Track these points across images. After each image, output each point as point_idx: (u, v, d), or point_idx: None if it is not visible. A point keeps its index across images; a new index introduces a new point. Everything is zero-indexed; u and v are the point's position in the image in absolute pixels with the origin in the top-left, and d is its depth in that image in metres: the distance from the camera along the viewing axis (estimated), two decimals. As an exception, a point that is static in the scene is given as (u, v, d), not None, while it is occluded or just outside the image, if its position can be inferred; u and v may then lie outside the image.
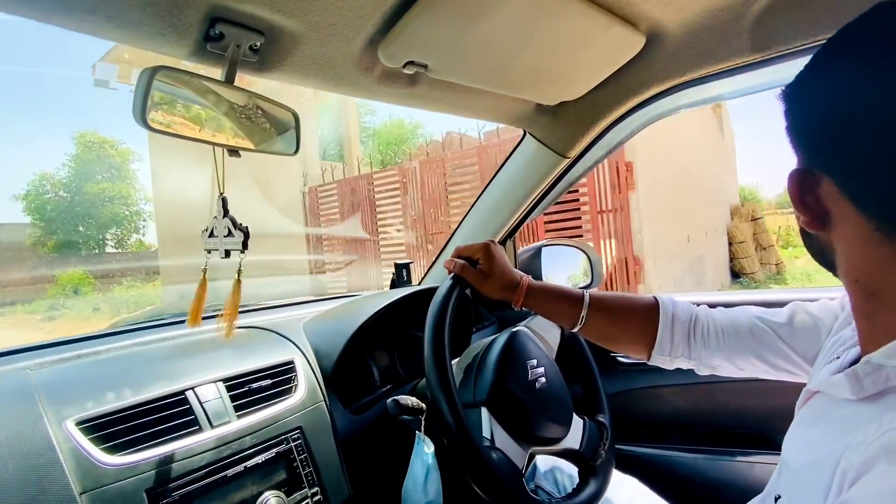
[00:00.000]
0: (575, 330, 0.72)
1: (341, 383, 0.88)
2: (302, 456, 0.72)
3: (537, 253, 1.21)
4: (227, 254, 0.63)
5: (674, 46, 0.78)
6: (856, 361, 0.46)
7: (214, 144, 0.62)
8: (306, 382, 0.81)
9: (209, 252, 0.68)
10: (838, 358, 0.48)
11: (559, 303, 0.72)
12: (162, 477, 0.60)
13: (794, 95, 0.41)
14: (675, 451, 1.13)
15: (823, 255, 0.44)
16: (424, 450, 0.78)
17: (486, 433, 0.67)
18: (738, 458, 1.06)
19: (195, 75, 0.59)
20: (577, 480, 0.78)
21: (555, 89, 0.88)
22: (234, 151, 0.63)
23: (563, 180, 1.12)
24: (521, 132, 1.07)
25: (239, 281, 0.66)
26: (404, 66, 0.67)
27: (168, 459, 0.61)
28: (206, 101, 0.61)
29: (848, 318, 0.54)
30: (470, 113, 0.96)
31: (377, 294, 1.07)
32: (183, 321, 1.13)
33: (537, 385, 0.76)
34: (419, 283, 1.30)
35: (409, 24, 0.59)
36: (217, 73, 0.60)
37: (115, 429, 0.62)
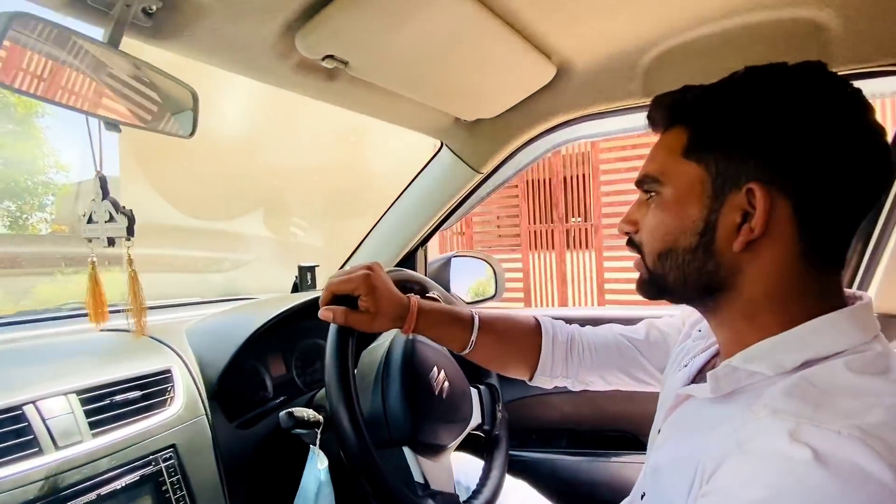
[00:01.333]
0: (464, 353, 0.71)
1: (227, 395, 0.80)
2: (174, 478, 0.63)
3: (447, 263, 1.23)
4: (111, 242, 0.54)
5: (580, 81, 0.85)
6: (703, 368, 0.53)
7: (86, 114, 0.53)
8: (185, 394, 0.72)
9: (90, 241, 0.58)
10: (686, 366, 0.56)
11: (450, 326, 0.69)
12: None
13: (727, 112, 0.43)
14: (560, 455, 1.22)
15: (708, 276, 0.45)
16: (317, 465, 0.74)
17: (417, 476, 0.66)
18: (613, 459, 1.17)
19: (70, 31, 0.50)
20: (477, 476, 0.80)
21: (472, 105, 0.91)
22: (112, 125, 0.55)
23: (475, 195, 1.16)
24: (438, 144, 1.09)
25: (133, 273, 0.57)
26: (323, 59, 0.64)
27: None
28: (79, 63, 0.52)
29: (689, 331, 0.63)
30: (389, 117, 0.95)
31: (277, 298, 1.00)
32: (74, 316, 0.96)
33: (444, 395, 0.77)
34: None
35: (331, 15, 0.57)
36: (99, 33, 0.51)
37: None
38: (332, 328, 0.64)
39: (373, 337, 0.83)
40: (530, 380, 0.74)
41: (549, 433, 1.29)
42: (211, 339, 0.83)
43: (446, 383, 0.78)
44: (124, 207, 0.54)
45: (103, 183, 0.55)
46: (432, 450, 0.73)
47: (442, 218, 1.18)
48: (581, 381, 0.74)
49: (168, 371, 0.74)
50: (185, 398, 0.72)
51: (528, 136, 0.99)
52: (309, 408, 0.76)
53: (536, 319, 0.75)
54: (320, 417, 0.75)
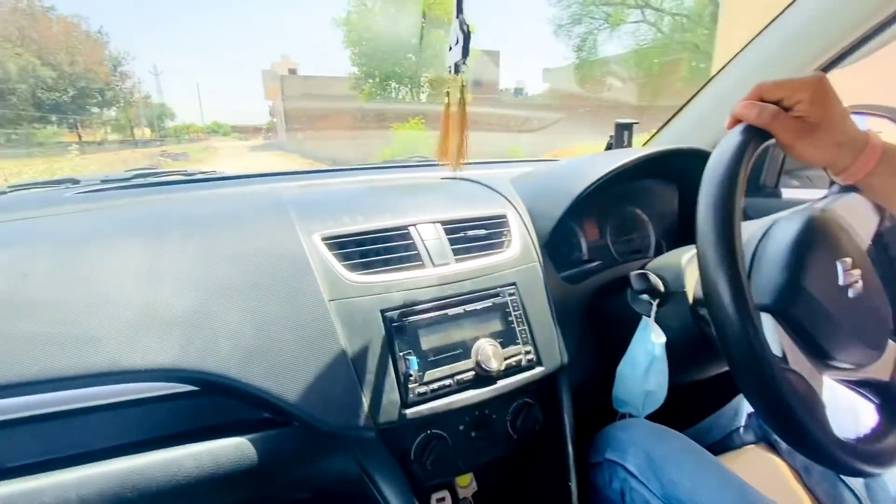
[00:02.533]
0: None
1: (553, 249, 0.79)
2: (517, 311, 0.67)
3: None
4: (456, 68, 0.53)
5: None
6: None
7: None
8: (520, 239, 0.74)
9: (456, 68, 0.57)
10: None
11: None
12: (394, 301, 0.60)
13: None
14: None
15: None
16: (652, 338, 0.67)
17: (774, 349, 0.50)
18: None
19: None
20: (870, 421, 0.58)
21: None
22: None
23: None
24: None
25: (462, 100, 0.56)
26: None
27: (398, 286, 0.62)
28: None
29: None
30: None
31: (597, 156, 0.90)
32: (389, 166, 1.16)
33: (850, 293, 0.54)
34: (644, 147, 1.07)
35: None
36: None
37: (351, 249, 0.64)
38: (736, 130, 0.49)
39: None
40: None
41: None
42: (538, 193, 0.82)
43: (860, 283, 0.54)
44: (463, 24, 0.49)
45: (459, 1, 0.51)
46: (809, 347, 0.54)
47: (871, 31, 0.77)
48: None
49: (504, 216, 0.76)
50: (521, 243, 0.74)
51: None
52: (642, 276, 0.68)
53: None
54: (662, 289, 0.66)
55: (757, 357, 0.44)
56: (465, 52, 0.54)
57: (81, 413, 0.51)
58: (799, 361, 0.50)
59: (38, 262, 0.53)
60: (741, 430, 0.79)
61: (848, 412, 0.65)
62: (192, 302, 0.54)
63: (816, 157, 0.49)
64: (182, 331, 0.52)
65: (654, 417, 0.71)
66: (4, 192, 0.82)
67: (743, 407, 0.82)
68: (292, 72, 29.08)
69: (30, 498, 0.45)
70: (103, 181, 0.91)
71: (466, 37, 0.53)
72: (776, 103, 0.48)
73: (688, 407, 0.86)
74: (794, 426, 0.44)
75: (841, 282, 0.53)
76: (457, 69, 0.56)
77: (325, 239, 0.63)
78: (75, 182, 0.89)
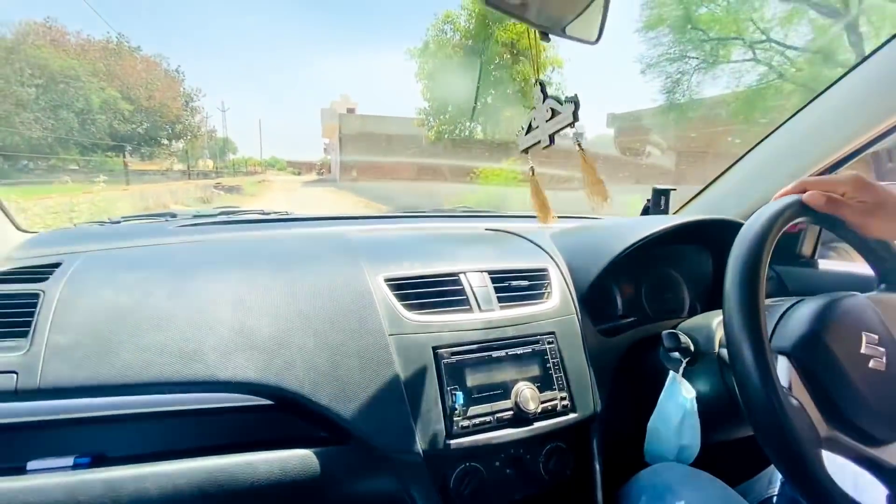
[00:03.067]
0: None
1: (591, 302, 0.85)
2: (555, 359, 0.73)
3: None
4: (552, 139, 0.61)
5: None
6: None
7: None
8: (560, 292, 0.81)
9: (526, 151, 0.67)
10: None
11: None
12: (444, 340, 0.68)
13: None
14: None
15: None
16: (683, 393, 0.71)
17: (784, 384, 0.53)
18: None
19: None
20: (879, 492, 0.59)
21: None
22: (544, 35, 0.59)
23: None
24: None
25: (583, 152, 0.63)
26: None
27: (448, 327, 0.69)
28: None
29: None
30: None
31: (636, 219, 0.97)
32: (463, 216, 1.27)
33: (870, 363, 0.57)
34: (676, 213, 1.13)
35: None
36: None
37: (409, 291, 0.72)
38: (763, 210, 0.54)
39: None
40: None
41: None
42: (579, 249, 0.89)
43: (882, 359, 0.58)
44: (568, 95, 0.58)
45: (543, 88, 0.61)
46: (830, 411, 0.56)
47: (880, 133, 0.83)
48: None
49: (545, 269, 0.84)
50: (560, 295, 0.80)
51: None
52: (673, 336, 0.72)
53: None
54: (692, 347, 0.70)
55: (782, 429, 0.48)
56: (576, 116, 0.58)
57: (174, 416, 0.60)
58: (808, 405, 0.53)
59: (156, 285, 0.65)
60: (774, 499, 0.79)
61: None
62: (276, 329, 0.63)
63: (889, 231, 0.56)
64: (266, 353, 0.61)
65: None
66: (118, 222, 0.97)
67: (776, 476, 0.82)
68: (350, 111, 30.87)
69: (132, 483, 0.53)
70: (195, 216, 1.06)
71: (576, 104, 0.58)
72: None
73: (725, 470, 0.86)
74: (799, 469, 0.48)
75: (863, 350, 0.57)
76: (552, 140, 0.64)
77: (387, 280, 0.72)
78: (173, 216, 1.04)
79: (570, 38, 0.65)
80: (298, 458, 0.59)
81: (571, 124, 0.57)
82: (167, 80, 24.27)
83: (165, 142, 25.13)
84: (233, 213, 1.11)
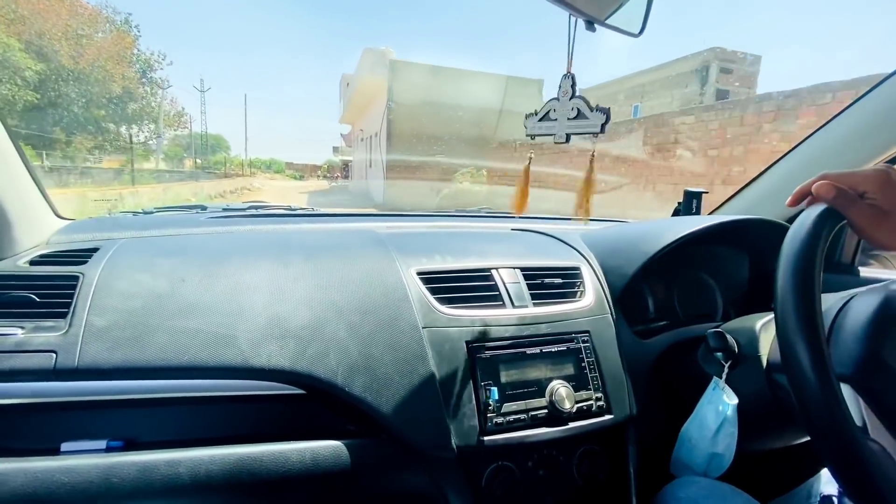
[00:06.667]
0: None
1: (625, 303, 0.83)
2: (590, 358, 0.71)
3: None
4: (568, 138, 0.60)
5: None
6: None
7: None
8: (594, 291, 0.79)
9: (533, 137, 0.67)
10: None
11: None
12: (478, 335, 0.66)
13: None
14: None
15: None
16: (724, 399, 0.68)
17: (855, 419, 0.50)
18: None
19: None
20: None
21: None
22: (589, 24, 0.58)
23: None
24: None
25: (592, 170, 0.63)
26: None
27: (481, 321, 0.68)
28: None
29: None
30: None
31: (670, 220, 0.95)
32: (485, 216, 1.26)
33: None
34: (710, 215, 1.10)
35: None
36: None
37: (442, 285, 0.71)
38: (812, 210, 0.51)
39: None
40: None
41: None
42: (612, 250, 0.87)
43: None
44: (599, 105, 0.57)
45: (573, 82, 0.60)
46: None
47: None
48: None
49: (578, 268, 0.82)
50: (595, 294, 0.78)
51: None
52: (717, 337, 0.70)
53: None
54: (736, 350, 0.68)
55: (837, 422, 0.45)
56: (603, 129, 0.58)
57: (206, 402, 0.60)
58: (881, 435, 0.50)
59: (191, 271, 0.65)
60: None
61: None
62: (308, 318, 0.62)
63: (891, 242, 0.51)
64: (299, 341, 0.60)
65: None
66: (152, 213, 0.99)
67: (815, 489, 0.79)
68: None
69: (165, 468, 0.53)
70: (224, 209, 1.07)
71: (608, 116, 0.58)
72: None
73: (757, 483, 0.83)
74: (875, 497, 0.44)
75: None
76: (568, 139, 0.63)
77: (419, 273, 0.71)
78: (203, 208, 1.05)
79: (613, 28, 0.64)
80: (330, 450, 0.58)
81: (596, 134, 0.56)
82: (114, 36, 14.67)
83: (111, 126, 16.30)
84: (261, 206, 1.12)
